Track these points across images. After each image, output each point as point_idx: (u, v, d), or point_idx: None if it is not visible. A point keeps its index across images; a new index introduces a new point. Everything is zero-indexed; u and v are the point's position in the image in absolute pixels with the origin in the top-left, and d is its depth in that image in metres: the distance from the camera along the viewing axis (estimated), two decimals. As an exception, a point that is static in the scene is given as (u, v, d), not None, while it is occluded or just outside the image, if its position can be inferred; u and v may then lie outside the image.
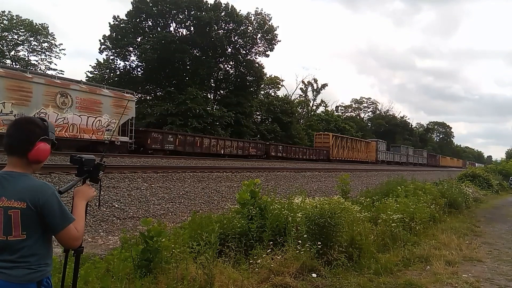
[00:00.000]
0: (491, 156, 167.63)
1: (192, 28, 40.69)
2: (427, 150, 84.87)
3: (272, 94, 58.34)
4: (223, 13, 40.96)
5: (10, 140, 1.90)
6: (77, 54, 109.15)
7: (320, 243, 5.02)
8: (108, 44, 39.44)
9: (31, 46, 41.20)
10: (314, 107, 70.65)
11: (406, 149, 69.70)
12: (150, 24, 40.32)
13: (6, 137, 1.91)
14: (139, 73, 40.93)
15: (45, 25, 41.92)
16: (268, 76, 56.29)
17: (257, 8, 63.74)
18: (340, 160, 46.49)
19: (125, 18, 39.10)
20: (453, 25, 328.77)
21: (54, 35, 42.43)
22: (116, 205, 8.57)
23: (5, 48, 39.49)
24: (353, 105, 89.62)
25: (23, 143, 1.87)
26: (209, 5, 39.95)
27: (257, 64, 45.34)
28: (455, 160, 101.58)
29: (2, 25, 39.14)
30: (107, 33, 39.56)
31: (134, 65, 40.95)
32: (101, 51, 39.94)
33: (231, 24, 42.20)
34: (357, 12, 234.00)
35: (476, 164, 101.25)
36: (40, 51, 41.86)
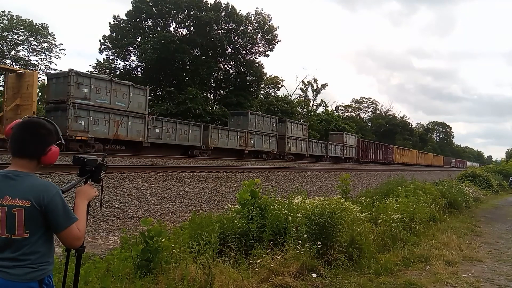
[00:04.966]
0: (491, 156, 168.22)
1: (192, 28, 40.73)
2: (359, 136, 53.07)
3: (272, 94, 58.39)
4: (223, 13, 40.99)
5: (21, 144, 1.89)
6: (77, 54, 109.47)
7: (320, 243, 5.02)
8: (108, 44, 39.51)
9: (31, 46, 41.31)
10: (314, 107, 70.63)
11: (275, 123, 31.97)
12: (150, 24, 40.38)
13: (15, 140, 1.90)
14: (139, 73, 40.94)
15: (45, 25, 42.09)
16: (268, 76, 56.37)
17: (257, 8, 63.86)
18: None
19: (125, 18, 39.18)
20: (450, 25, 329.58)
21: (54, 35, 42.60)
22: (116, 205, 8.56)
23: (5, 48, 39.54)
24: (353, 105, 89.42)
25: (38, 147, 1.89)
26: (209, 5, 39.99)
27: (257, 64, 45.40)
28: (430, 155, 71.55)
29: (2, 25, 39.16)
30: (107, 33, 39.68)
31: (134, 65, 41.05)
32: (101, 51, 40.04)
33: (231, 24, 42.24)
34: (355, 13, 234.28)
35: (468, 162, 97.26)
36: (40, 51, 41.98)
